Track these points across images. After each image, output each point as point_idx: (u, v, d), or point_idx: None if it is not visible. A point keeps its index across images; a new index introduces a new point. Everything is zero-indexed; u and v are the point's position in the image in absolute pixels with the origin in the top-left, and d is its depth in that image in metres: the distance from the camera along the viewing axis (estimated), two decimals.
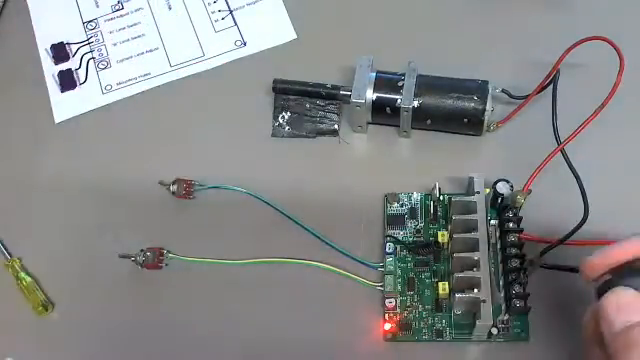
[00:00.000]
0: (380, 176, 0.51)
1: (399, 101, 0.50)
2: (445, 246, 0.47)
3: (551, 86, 0.49)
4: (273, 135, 0.53)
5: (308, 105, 0.53)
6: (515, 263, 0.44)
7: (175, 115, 0.55)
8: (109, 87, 0.57)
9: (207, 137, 0.54)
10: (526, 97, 0.50)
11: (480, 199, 0.46)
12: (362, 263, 0.48)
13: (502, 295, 0.44)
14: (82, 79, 0.57)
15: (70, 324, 0.48)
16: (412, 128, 0.51)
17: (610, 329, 0.30)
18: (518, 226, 0.45)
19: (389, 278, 0.46)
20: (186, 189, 0.51)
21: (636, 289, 0.31)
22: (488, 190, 0.46)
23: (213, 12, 0.59)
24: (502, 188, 0.46)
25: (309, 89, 0.53)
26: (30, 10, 0.61)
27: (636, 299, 0.30)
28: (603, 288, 0.32)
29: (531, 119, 0.51)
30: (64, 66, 0.58)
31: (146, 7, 0.60)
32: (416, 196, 0.50)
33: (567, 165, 0.46)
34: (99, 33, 0.59)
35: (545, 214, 0.47)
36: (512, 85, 0.51)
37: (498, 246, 0.46)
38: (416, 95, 0.49)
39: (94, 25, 0.60)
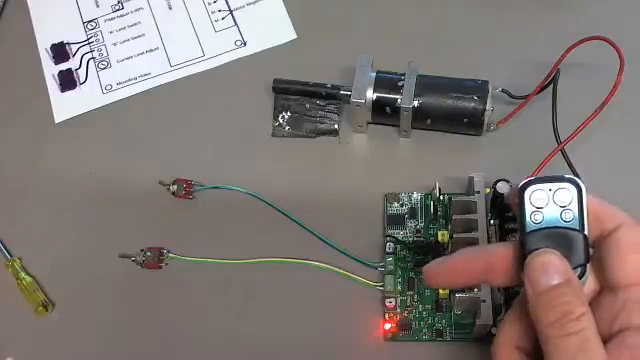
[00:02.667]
0: (380, 176, 0.51)
1: (399, 101, 0.50)
2: (445, 246, 0.47)
3: (551, 86, 0.49)
4: (273, 135, 0.53)
5: (308, 105, 0.53)
6: None
7: (175, 115, 0.55)
8: (109, 87, 0.57)
9: (207, 137, 0.54)
10: (526, 97, 0.50)
11: (480, 199, 0.46)
12: (362, 263, 0.48)
13: (502, 295, 0.44)
14: (82, 79, 0.57)
15: (70, 324, 0.48)
16: (412, 128, 0.51)
17: (534, 289, 0.31)
18: None
19: (389, 278, 0.46)
20: (186, 189, 0.51)
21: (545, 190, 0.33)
22: (488, 190, 0.46)
23: (213, 12, 0.59)
24: (502, 188, 0.46)
25: (309, 89, 0.53)
26: (30, 10, 0.61)
27: (559, 261, 0.32)
28: (524, 188, 0.34)
29: (531, 119, 0.51)
30: (64, 66, 0.58)
31: (146, 7, 0.60)
32: (416, 196, 0.50)
33: (567, 165, 0.46)
34: (99, 33, 0.59)
35: None
36: (512, 85, 0.51)
37: None
38: (416, 95, 0.50)
39: (94, 25, 0.60)
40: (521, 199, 0.33)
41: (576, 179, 0.33)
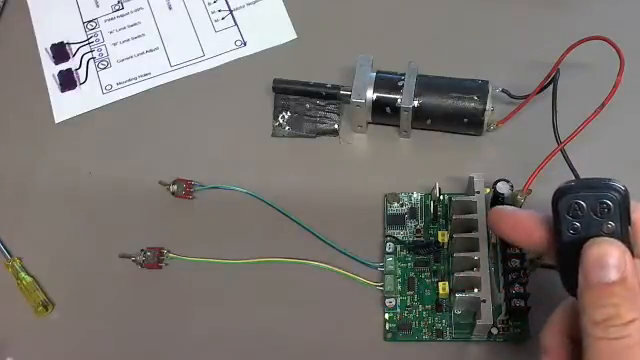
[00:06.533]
0: (380, 176, 0.51)
1: (399, 101, 0.50)
2: (445, 246, 0.47)
3: (551, 86, 0.49)
4: (273, 135, 0.53)
5: (308, 105, 0.53)
6: (515, 263, 0.44)
7: (175, 115, 0.55)
8: (109, 87, 0.57)
9: (207, 137, 0.54)
10: (526, 97, 0.50)
11: (480, 199, 0.46)
12: (362, 263, 0.48)
13: (502, 295, 0.44)
14: (82, 79, 0.57)
15: (70, 324, 0.48)
16: (412, 128, 0.51)
17: (586, 280, 0.30)
18: None
19: (389, 278, 0.46)
20: (186, 189, 0.51)
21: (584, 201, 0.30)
22: (488, 190, 0.46)
23: (213, 12, 0.59)
24: (502, 188, 0.46)
25: (309, 89, 0.53)
26: (30, 10, 0.61)
27: (620, 254, 0.30)
28: (559, 197, 0.31)
29: (531, 119, 0.51)
30: (64, 66, 0.58)
31: (146, 7, 0.60)
32: (416, 196, 0.50)
33: (567, 165, 0.46)
34: (99, 33, 0.59)
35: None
36: (512, 85, 0.51)
37: (498, 246, 0.46)
38: (416, 95, 0.50)
39: (94, 25, 0.60)
40: (555, 208, 0.31)
41: (619, 186, 0.30)
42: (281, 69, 0.54)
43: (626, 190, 0.30)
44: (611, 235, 0.30)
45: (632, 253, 0.30)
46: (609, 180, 0.31)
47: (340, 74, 0.54)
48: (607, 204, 0.30)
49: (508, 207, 0.39)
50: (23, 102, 0.57)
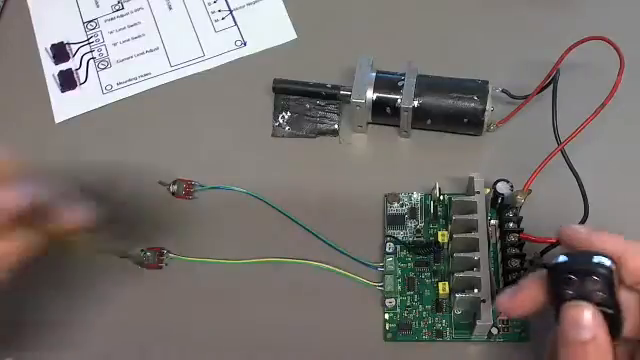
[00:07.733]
0: (380, 176, 0.51)
1: (399, 101, 0.50)
2: (445, 246, 0.47)
3: (551, 86, 0.49)
4: (273, 135, 0.53)
5: (308, 105, 0.53)
6: (515, 263, 0.44)
7: (175, 115, 0.55)
8: (109, 87, 0.57)
9: (207, 137, 0.54)
10: (526, 97, 0.50)
11: (480, 199, 0.46)
12: (362, 263, 0.48)
13: None
14: (82, 79, 0.57)
15: (70, 324, 0.48)
16: (412, 128, 0.51)
17: (563, 338, 0.32)
18: (518, 226, 0.45)
19: (389, 278, 0.46)
20: (186, 189, 0.51)
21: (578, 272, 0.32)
22: (488, 190, 0.46)
23: (213, 12, 0.59)
24: (502, 188, 0.46)
25: (309, 89, 0.53)
26: (30, 10, 0.61)
27: (591, 317, 0.32)
28: (551, 274, 0.33)
29: (531, 119, 0.51)
30: (64, 66, 0.58)
31: (146, 7, 0.60)
32: (416, 196, 0.50)
33: (567, 165, 0.46)
34: (99, 33, 0.59)
35: (545, 214, 0.47)
36: (512, 85, 0.51)
37: (498, 246, 0.46)
38: (416, 95, 0.50)
39: (94, 25, 0.60)
40: (550, 280, 0.33)
41: (604, 262, 0.32)
42: (281, 69, 0.54)
43: (611, 264, 0.32)
44: (601, 302, 0.32)
45: (620, 316, 0.32)
46: (595, 256, 0.33)
47: (340, 74, 0.54)
48: (594, 279, 0.32)
49: (506, 293, 0.37)
50: (23, 102, 0.57)
